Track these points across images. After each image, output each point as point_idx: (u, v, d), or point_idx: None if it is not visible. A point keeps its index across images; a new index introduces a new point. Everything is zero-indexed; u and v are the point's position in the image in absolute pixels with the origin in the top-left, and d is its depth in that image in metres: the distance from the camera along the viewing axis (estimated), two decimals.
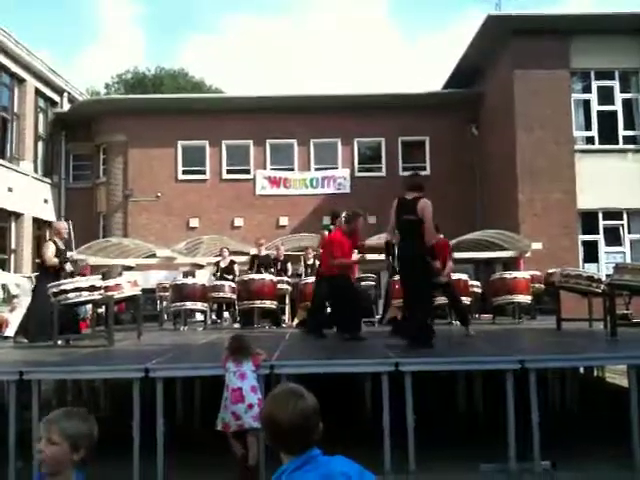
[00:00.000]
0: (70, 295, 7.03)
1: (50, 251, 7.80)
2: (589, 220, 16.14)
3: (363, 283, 11.37)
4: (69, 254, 9.06)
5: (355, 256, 8.03)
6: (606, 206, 15.99)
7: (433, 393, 6.57)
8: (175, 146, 20.07)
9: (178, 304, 10.37)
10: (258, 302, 9.98)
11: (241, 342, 4.82)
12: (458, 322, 8.63)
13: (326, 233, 8.46)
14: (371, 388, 6.53)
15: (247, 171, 20.16)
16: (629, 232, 16.18)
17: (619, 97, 16.53)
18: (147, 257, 15.49)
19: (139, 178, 19.92)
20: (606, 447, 5.39)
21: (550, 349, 6.60)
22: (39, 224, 19.67)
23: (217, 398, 4.71)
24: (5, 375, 5.14)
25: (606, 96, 16.52)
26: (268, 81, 57.32)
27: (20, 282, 13.78)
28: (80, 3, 60.80)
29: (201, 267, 15.70)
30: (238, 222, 19.65)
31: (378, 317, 11.05)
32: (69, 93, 21.45)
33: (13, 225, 18.60)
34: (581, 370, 8.26)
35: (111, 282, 8.74)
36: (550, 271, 11.47)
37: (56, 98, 21.03)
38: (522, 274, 10.80)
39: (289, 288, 10.95)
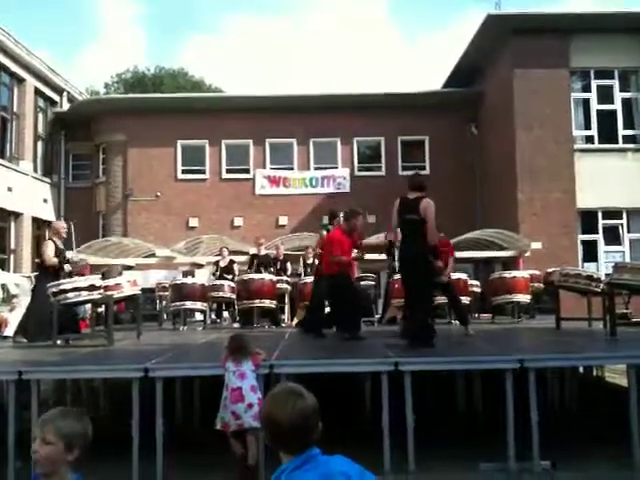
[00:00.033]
0: (69, 295, 7.03)
1: (50, 250, 7.80)
2: (588, 219, 16.14)
3: (363, 283, 11.37)
4: (68, 254, 9.05)
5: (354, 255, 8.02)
6: (605, 205, 16.00)
7: (433, 393, 6.56)
8: (175, 145, 20.07)
9: (178, 304, 10.37)
10: (257, 302, 9.98)
11: (240, 342, 4.82)
12: (457, 322, 8.62)
13: (324, 233, 8.45)
14: (371, 388, 6.54)
15: (247, 170, 20.16)
16: (628, 231, 16.18)
17: (619, 96, 16.52)
18: (147, 257, 15.50)
19: (139, 177, 19.91)
20: (606, 446, 5.39)
21: (549, 348, 6.60)
22: (39, 224, 19.66)
23: (216, 398, 4.71)
24: (4, 375, 5.14)
25: (606, 95, 16.51)
26: (268, 81, 57.36)
27: (19, 282, 13.78)
28: (80, 3, 60.82)
29: (201, 267, 15.70)
30: (238, 222, 19.65)
31: (378, 317, 11.05)
32: (69, 93, 21.46)
33: (12, 225, 18.59)
34: (580, 369, 8.26)
35: (111, 282, 8.75)
36: (549, 270, 11.47)
37: (56, 98, 21.03)
38: (521, 273, 10.81)
39: (288, 288, 10.96)
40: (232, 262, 11.71)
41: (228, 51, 60.83)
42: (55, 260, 7.76)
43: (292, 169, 20.15)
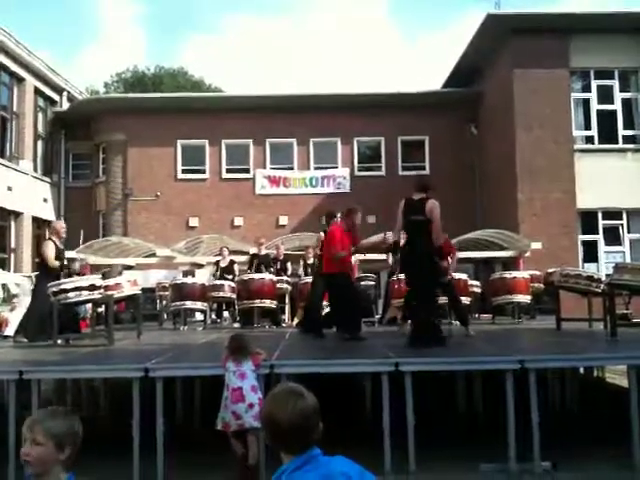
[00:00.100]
0: (70, 294, 7.03)
1: (50, 251, 7.81)
2: (589, 220, 16.14)
3: (363, 283, 11.37)
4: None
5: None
6: (606, 206, 15.99)
7: (433, 393, 6.56)
8: (175, 145, 20.07)
9: (178, 303, 10.37)
10: (258, 302, 9.98)
11: (241, 342, 4.81)
12: (458, 322, 8.62)
13: (322, 235, 8.43)
14: (371, 388, 6.54)
15: (247, 170, 20.16)
16: (629, 232, 16.18)
17: (618, 96, 16.52)
18: (147, 256, 15.50)
19: (139, 177, 19.91)
20: (606, 447, 5.38)
21: (550, 349, 6.60)
22: (39, 223, 19.66)
23: (217, 398, 4.71)
24: (5, 374, 5.14)
25: (606, 95, 16.52)
26: (268, 81, 57.36)
27: (20, 281, 13.76)
28: (80, 3, 60.82)
29: (201, 266, 15.70)
30: (238, 221, 19.65)
31: (378, 317, 11.05)
32: (68, 92, 21.45)
33: (13, 224, 18.59)
34: (581, 370, 8.26)
35: (111, 281, 8.75)
36: (550, 271, 11.46)
37: (55, 97, 21.02)
38: (522, 274, 10.80)
39: (289, 287, 10.95)
40: (232, 262, 11.71)
41: (228, 51, 60.91)
42: (57, 264, 7.80)
43: (292, 169, 20.15)
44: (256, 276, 10.37)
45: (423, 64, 60.28)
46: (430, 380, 6.13)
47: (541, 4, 61.14)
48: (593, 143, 16.48)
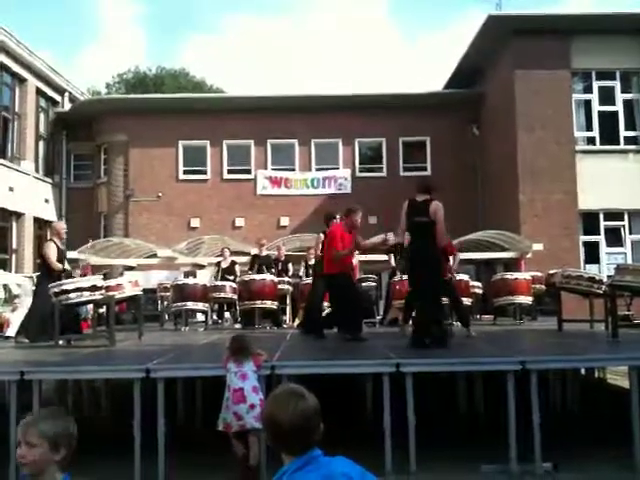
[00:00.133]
0: (71, 295, 7.03)
1: (52, 253, 7.82)
2: (590, 221, 16.13)
3: (364, 284, 11.35)
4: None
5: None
6: (607, 207, 15.98)
7: (434, 394, 6.56)
8: (176, 146, 20.08)
9: (179, 304, 10.37)
10: (259, 302, 9.97)
11: (242, 342, 4.82)
12: (459, 323, 8.61)
13: (322, 236, 8.40)
14: (372, 389, 6.54)
15: (248, 171, 20.17)
16: (630, 233, 16.17)
17: (620, 97, 16.52)
18: (148, 257, 15.51)
19: (140, 178, 19.93)
20: (607, 448, 5.39)
21: (551, 350, 6.60)
22: (40, 224, 19.67)
23: (218, 398, 4.71)
24: (6, 375, 5.14)
25: (607, 96, 16.51)
26: (268, 81, 57.43)
27: (21, 282, 13.77)
28: (81, 3, 60.90)
29: (202, 267, 15.71)
30: (239, 222, 19.66)
31: (379, 318, 11.05)
32: (70, 93, 21.46)
33: (14, 225, 18.61)
34: (582, 371, 8.25)
35: (112, 282, 8.74)
36: (551, 272, 11.46)
37: (57, 98, 21.04)
38: (523, 275, 10.79)
39: (290, 288, 10.95)
40: (234, 263, 11.72)
41: (228, 51, 60.97)
42: (60, 266, 7.83)
43: (293, 170, 20.16)
44: (257, 277, 10.37)
45: (423, 64, 60.37)
46: (431, 381, 6.13)
47: (542, 5, 61.20)
48: (595, 144, 16.47)
